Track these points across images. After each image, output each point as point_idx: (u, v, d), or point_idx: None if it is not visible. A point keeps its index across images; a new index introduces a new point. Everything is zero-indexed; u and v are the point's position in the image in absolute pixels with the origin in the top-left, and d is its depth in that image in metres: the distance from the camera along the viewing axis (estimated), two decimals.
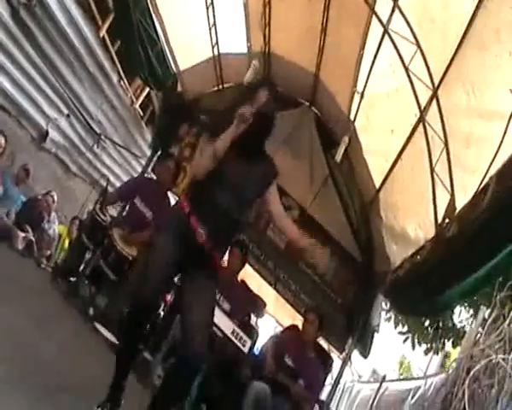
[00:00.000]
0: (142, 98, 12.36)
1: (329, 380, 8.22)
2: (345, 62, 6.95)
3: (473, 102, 4.81)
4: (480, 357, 6.16)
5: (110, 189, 6.59)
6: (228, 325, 5.44)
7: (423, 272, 5.59)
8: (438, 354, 12.06)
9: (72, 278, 6.22)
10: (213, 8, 7.75)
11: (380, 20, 5.71)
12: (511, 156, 4.11)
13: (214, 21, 7.95)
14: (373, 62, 6.40)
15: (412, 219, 6.54)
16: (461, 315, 11.40)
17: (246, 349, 5.49)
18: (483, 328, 6.56)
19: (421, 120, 5.76)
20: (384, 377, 10.65)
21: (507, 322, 6.30)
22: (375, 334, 8.07)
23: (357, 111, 7.33)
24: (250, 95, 3.25)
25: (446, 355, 13.04)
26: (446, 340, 11.47)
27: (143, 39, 7.85)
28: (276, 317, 10.37)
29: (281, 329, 9.00)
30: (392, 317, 12.18)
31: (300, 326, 6.11)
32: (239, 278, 6.46)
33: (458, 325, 11.42)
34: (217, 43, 8.27)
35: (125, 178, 11.63)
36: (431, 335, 11.42)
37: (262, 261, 8.43)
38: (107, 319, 5.51)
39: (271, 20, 7.45)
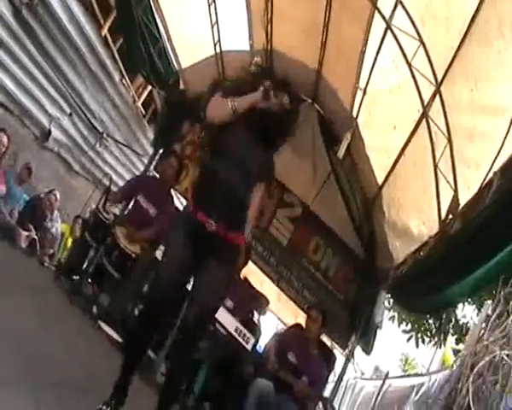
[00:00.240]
0: (144, 96, 12.37)
1: (332, 377, 8.21)
2: (347, 59, 6.92)
3: (476, 97, 4.79)
4: (484, 353, 6.14)
5: (113, 187, 6.56)
6: (231, 322, 5.45)
7: (427, 268, 5.59)
8: (440, 347, 12.10)
9: (75, 277, 6.22)
10: (215, 5, 7.74)
11: (382, 16, 5.70)
12: None
13: (216, 19, 7.94)
14: (375, 58, 6.36)
15: (415, 216, 6.53)
16: (464, 310, 11.43)
17: (249, 347, 5.49)
18: (487, 324, 6.54)
19: (425, 115, 5.75)
20: (387, 374, 10.63)
21: (511, 318, 6.28)
22: (378, 331, 8.07)
23: (359, 107, 7.31)
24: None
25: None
26: (450, 335, 11.49)
27: (145, 37, 7.84)
28: (279, 314, 10.38)
29: (283, 326, 9.01)
30: (396, 316, 12.21)
31: (303, 324, 6.11)
32: (242, 276, 6.46)
33: (462, 321, 11.45)
34: (219, 40, 8.25)
35: (128, 177, 11.65)
36: (434, 329, 11.45)
37: (265, 258, 8.43)
38: (111, 317, 5.51)
39: (273, 16, 7.43)
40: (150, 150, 10.56)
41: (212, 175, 3.11)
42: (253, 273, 8.13)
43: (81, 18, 9.00)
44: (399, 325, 12.22)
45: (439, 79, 5.37)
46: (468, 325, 11.26)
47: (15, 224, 7.50)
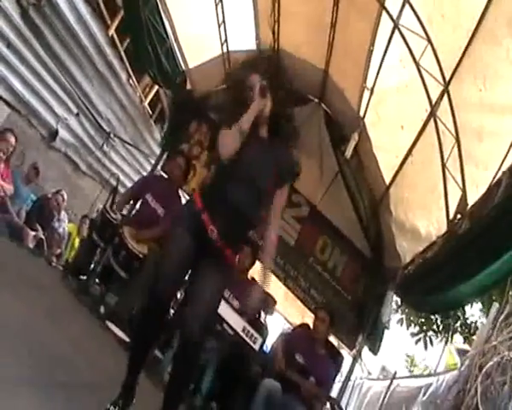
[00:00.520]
0: (150, 96, 12.38)
1: (339, 377, 8.20)
2: (354, 58, 6.91)
3: (484, 96, 4.77)
4: (492, 354, 6.11)
5: (120, 187, 6.58)
6: (238, 322, 5.44)
7: (435, 267, 5.57)
8: (446, 343, 12.09)
9: (82, 277, 6.23)
10: (222, 5, 7.75)
11: (390, 16, 5.68)
12: None
13: (223, 18, 7.94)
14: (383, 58, 6.35)
15: (423, 215, 6.52)
16: (472, 309, 11.41)
17: (256, 347, 5.49)
18: (495, 324, 6.51)
19: (432, 115, 5.73)
20: (395, 374, 10.60)
21: None
22: (385, 330, 8.05)
23: (366, 107, 7.30)
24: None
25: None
26: (458, 334, 11.48)
27: (152, 37, 7.85)
28: (286, 314, 10.37)
29: (290, 326, 9.01)
30: (404, 318, 12.19)
31: (311, 324, 6.10)
32: (249, 276, 6.45)
33: (470, 320, 11.44)
34: (226, 40, 8.26)
35: (135, 177, 11.69)
36: (441, 326, 11.44)
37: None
38: (118, 316, 5.51)
39: (280, 16, 7.42)
40: (157, 150, 10.58)
41: (224, 189, 3.11)
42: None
43: (88, 18, 9.02)
44: (408, 328, 12.20)
45: (447, 79, 5.35)
46: (477, 324, 11.25)
47: (23, 224, 7.52)
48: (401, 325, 12.28)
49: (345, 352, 7.94)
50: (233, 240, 3.15)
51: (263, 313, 7.29)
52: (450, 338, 11.88)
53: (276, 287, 8.63)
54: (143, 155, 12.21)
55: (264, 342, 5.97)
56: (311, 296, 8.39)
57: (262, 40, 8.02)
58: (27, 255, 6.79)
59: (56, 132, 9.47)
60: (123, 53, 10.47)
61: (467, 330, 11.50)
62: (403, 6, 5.49)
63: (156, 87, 11.63)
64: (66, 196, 8.63)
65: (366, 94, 7.10)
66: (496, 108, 4.70)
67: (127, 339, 5.22)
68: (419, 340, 11.99)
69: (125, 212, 7.29)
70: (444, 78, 5.37)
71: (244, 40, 8.17)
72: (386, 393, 9.98)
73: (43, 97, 8.85)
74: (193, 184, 8.02)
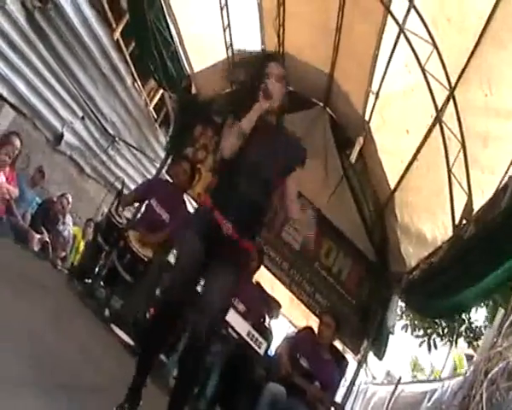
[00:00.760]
0: (155, 100, 12.38)
1: (344, 381, 8.18)
2: (359, 62, 6.91)
3: (490, 101, 4.75)
4: (497, 359, 6.09)
5: (125, 191, 6.58)
6: (243, 326, 5.43)
7: (440, 272, 5.56)
8: (451, 347, 12.07)
9: (87, 280, 6.24)
10: (227, 8, 7.75)
11: (395, 20, 5.68)
12: None
13: (228, 22, 7.95)
14: (388, 62, 6.35)
15: (428, 220, 6.50)
16: (477, 313, 11.39)
17: (261, 351, 5.48)
18: (500, 330, 6.49)
19: (438, 119, 5.71)
20: (399, 380, 10.58)
21: None
22: (390, 335, 8.03)
23: (371, 111, 7.29)
24: (262, 69, 3.26)
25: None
26: (463, 338, 11.45)
27: (157, 41, 7.86)
28: (290, 318, 10.35)
29: (294, 330, 8.98)
30: (409, 323, 12.17)
31: (316, 328, 6.09)
32: (254, 280, 6.45)
33: (474, 324, 11.42)
34: (231, 44, 8.26)
35: (139, 180, 11.67)
36: (446, 329, 11.42)
37: (277, 263, 8.42)
38: (123, 320, 5.51)
39: (285, 20, 7.43)
40: (162, 154, 10.58)
41: (232, 185, 3.13)
42: (265, 277, 8.12)
43: (93, 21, 9.03)
44: (412, 333, 12.19)
45: (453, 83, 5.33)
46: (482, 329, 11.22)
47: (28, 227, 7.53)
48: (406, 330, 12.28)
49: (349, 356, 7.91)
50: (248, 231, 3.17)
51: (267, 317, 7.28)
52: (454, 342, 11.86)
53: (281, 291, 8.63)
54: (148, 158, 12.21)
55: (268, 346, 5.97)
56: (315, 301, 8.37)
57: (267, 44, 8.02)
58: (32, 258, 6.80)
59: (61, 136, 9.48)
60: (128, 56, 10.48)
61: (471, 335, 11.48)
62: (408, 10, 5.48)
63: (161, 91, 11.64)
64: (71, 200, 8.64)
65: (371, 98, 7.10)
66: (502, 112, 4.68)
67: (131, 342, 5.23)
68: (423, 342, 11.97)
69: (129, 215, 7.30)
70: (449, 82, 5.36)
71: (249, 44, 8.17)
72: (391, 398, 9.96)
73: (48, 100, 8.86)
74: (198, 189, 8.00)
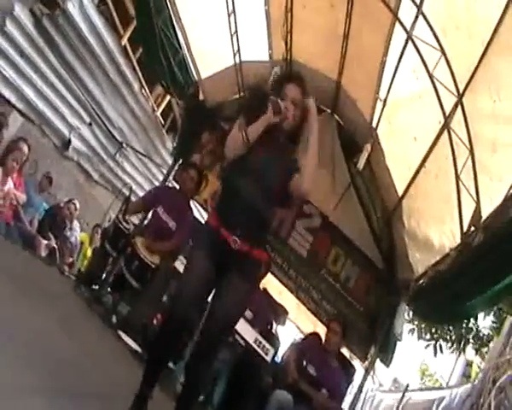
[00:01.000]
0: (163, 106, 12.41)
1: (351, 389, 8.15)
2: (367, 69, 6.90)
3: (498, 107, 4.74)
4: (505, 368, 6.06)
5: (132, 197, 6.59)
6: (250, 333, 5.43)
7: (448, 280, 5.53)
8: (459, 355, 12.02)
9: (95, 286, 6.24)
10: (235, 15, 7.75)
11: (403, 27, 5.66)
12: None
13: (236, 29, 7.95)
14: (396, 69, 6.34)
15: (437, 227, 6.47)
16: (485, 320, 11.35)
17: (268, 358, 5.47)
18: (508, 339, 6.47)
19: (446, 126, 5.69)
20: (407, 387, 10.53)
21: None
22: (398, 342, 7.99)
23: (379, 118, 7.28)
24: (279, 88, 3.27)
25: (468, 364, 12.94)
26: (471, 345, 11.40)
27: (165, 47, 7.88)
28: (297, 323, 10.34)
29: (301, 336, 8.96)
30: (416, 328, 12.13)
31: (323, 335, 6.07)
32: (261, 287, 6.44)
33: (482, 332, 11.37)
34: (238, 50, 8.26)
35: (147, 186, 11.70)
36: (453, 335, 11.37)
37: (284, 270, 8.41)
38: (130, 326, 5.51)
39: (293, 27, 7.43)
40: (169, 160, 10.59)
41: (235, 191, 3.12)
42: (272, 284, 8.12)
43: (101, 28, 9.07)
44: (419, 339, 12.14)
45: (461, 90, 5.32)
46: (489, 336, 11.17)
47: (35, 232, 7.54)
48: (412, 334, 12.23)
49: (356, 363, 7.89)
50: (257, 239, 3.15)
51: (274, 324, 7.27)
52: (462, 350, 11.81)
53: (288, 297, 8.61)
54: (155, 164, 12.23)
55: (276, 353, 5.96)
56: (322, 308, 8.36)
57: (274, 51, 8.03)
58: (40, 264, 6.82)
59: (69, 142, 9.50)
60: (135, 63, 10.52)
61: (479, 342, 11.43)
62: (416, 17, 5.46)
63: (168, 97, 11.67)
64: (78, 205, 8.65)
65: (379, 105, 7.08)
66: (510, 119, 4.67)
67: (139, 349, 5.23)
68: (429, 345, 11.92)
69: (136, 221, 7.31)
70: (457, 89, 5.34)
71: (257, 51, 8.18)
72: (399, 406, 9.91)
73: (56, 107, 8.90)
74: (205, 195, 8.01)
